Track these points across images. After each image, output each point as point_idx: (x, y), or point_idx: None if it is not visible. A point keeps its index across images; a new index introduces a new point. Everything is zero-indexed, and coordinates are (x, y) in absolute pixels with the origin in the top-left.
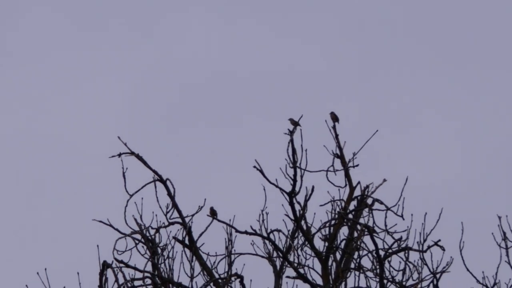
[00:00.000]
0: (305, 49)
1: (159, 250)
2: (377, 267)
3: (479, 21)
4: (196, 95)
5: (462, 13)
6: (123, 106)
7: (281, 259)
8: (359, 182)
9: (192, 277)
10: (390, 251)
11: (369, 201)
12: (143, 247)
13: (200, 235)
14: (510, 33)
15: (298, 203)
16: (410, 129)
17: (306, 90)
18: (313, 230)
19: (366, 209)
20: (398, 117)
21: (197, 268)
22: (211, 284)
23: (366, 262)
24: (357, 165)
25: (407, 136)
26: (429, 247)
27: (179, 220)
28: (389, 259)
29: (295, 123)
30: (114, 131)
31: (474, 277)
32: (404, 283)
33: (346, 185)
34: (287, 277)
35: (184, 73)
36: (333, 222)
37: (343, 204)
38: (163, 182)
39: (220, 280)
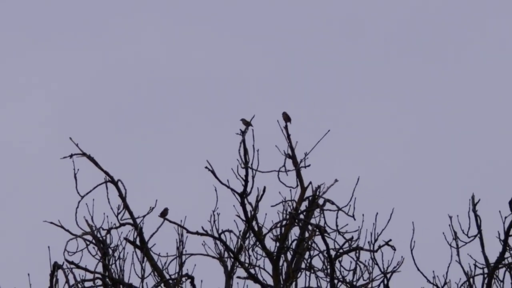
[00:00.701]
0: (253, 49)
1: (110, 251)
2: (328, 267)
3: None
4: (145, 96)
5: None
6: (71, 107)
7: (232, 260)
8: (310, 183)
9: (142, 278)
10: (341, 251)
11: (321, 201)
12: (94, 248)
13: (151, 236)
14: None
15: (250, 203)
16: (360, 128)
17: (258, 90)
18: (264, 231)
19: (318, 210)
20: (348, 117)
21: (148, 268)
22: (162, 284)
23: (317, 262)
24: (308, 166)
25: (358, 136)
26: (380, 247)
27: (131, 221)
28: (340, 259)
29: (247, 123)
30: (65, 132)
31: (425, 276)
32: (354, 283)
33: (297, 185)
34: (238, 277)
35: (131, 75)
36: (284, 222)
37: (294, 204)
38: (115, 183)
39: (170, 281)
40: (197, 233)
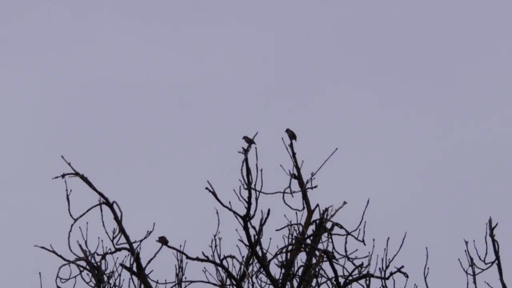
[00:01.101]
0: (253, 61)
1: (105, 278)
2: None
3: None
4: (140, 112)
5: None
6: (57, 122)
7: (235, 287)
8: (317, 205)
9: None
10: (350, 278)
11: (328, 225)
12: (88, 274)
13: (149, 261)
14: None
15: (253, 227)
16: (371, 147)
17: (260, 106)
18: (269, 256)
19: (325, 234)
20: (358, 135)
21: None
22: None
23: None
24: (315, 187)
25: (368, 155)
26: (391, 274)
27: (127, 245)
28: (350, 286)
29: (250, 141)
30: (54, 151)
31: None
32: None
33: (304, 208)
34: None
35: (125, 89)
36: (290, 247)
37: (300, 228)
38: (110, 205)
39: None
40: (197, 259)
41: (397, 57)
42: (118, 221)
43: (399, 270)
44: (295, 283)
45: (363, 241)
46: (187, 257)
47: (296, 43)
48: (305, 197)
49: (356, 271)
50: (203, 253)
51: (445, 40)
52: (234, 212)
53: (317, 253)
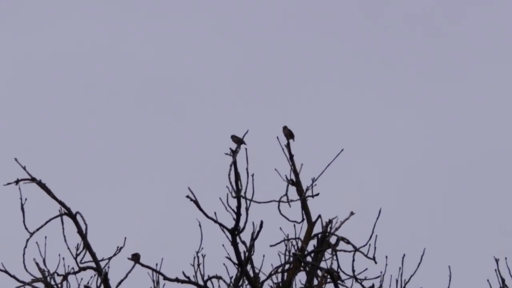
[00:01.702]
0: (244, 48)
1: None
2: None
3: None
4: (106, 106)
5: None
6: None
7: None
8: (319, 216)
9: None
10: None
11: (333, 239)
12: None
13: (119, 283)
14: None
15: (243, 242)
16: (381, 148)
17: (251, 101)
18: (262, 277)
19: (329, 250)
20: (367, 134)
21: None
22: None
23: None
24: (317, 194)
25: (379, 157)
26: None
27: (93, 264)
28: None
29: (239, 141)
30: (6, 153)
31: None
32: None
33: (303, 219)
34: None
35: (92, 78)
36: (287, 266)
37: (299, 243)
38: (72, 216)
39: None
40: (176, 280)
41: (405, 36)
42: (83, 235)
43: None
44: None
45: (374, 258)
46: (165, 278)
47: (286, 39)
48: (304, 207)
49: None
50: (183, 273)
51: (443, 37)
52: (221, 225)
53: (319, 272)
